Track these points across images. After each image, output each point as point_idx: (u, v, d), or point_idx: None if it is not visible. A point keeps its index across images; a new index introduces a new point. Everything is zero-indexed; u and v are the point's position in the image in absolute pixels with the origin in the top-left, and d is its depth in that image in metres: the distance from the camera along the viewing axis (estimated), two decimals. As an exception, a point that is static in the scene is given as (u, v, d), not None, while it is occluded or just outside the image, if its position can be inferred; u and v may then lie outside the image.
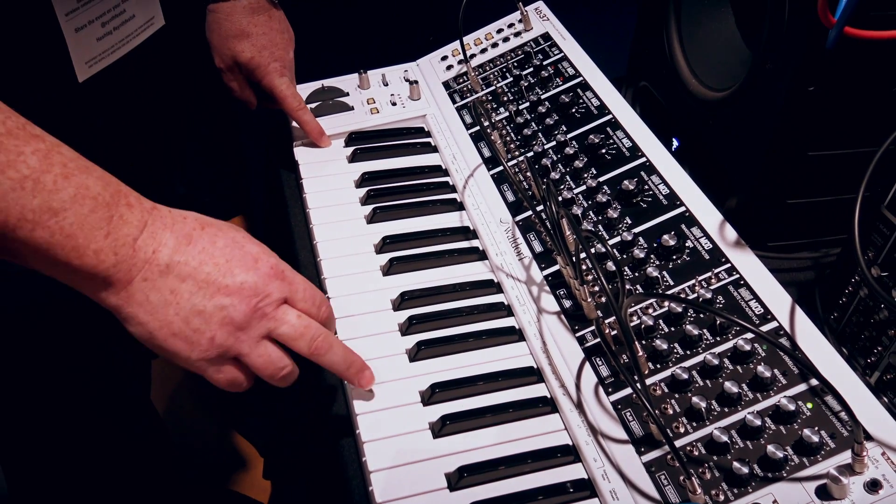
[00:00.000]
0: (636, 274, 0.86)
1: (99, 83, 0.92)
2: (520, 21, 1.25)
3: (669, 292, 0.83)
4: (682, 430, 0.72)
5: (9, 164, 0.57)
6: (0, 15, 0.80)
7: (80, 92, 0.90)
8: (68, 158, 0.61)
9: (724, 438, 0.69)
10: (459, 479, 0.74)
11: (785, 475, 0.67)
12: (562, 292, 0.89)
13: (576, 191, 0.98)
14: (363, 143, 1.15)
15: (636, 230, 0.90)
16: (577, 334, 0.84)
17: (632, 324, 0.81)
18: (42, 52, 0.85)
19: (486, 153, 1.10)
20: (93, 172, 0.63)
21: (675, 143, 1.16)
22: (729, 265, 0.83)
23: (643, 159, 0.97)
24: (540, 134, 1.07)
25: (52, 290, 0.66)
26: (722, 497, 0.67)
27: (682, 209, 0.90)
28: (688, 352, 0.78)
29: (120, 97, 0.98)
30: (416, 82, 1.22)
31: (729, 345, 0.76)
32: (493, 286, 0.95)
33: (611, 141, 1.01)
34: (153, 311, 0.66)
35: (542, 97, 1.12)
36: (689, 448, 0.71)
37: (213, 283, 0.68)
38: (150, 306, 0.66)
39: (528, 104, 1.12)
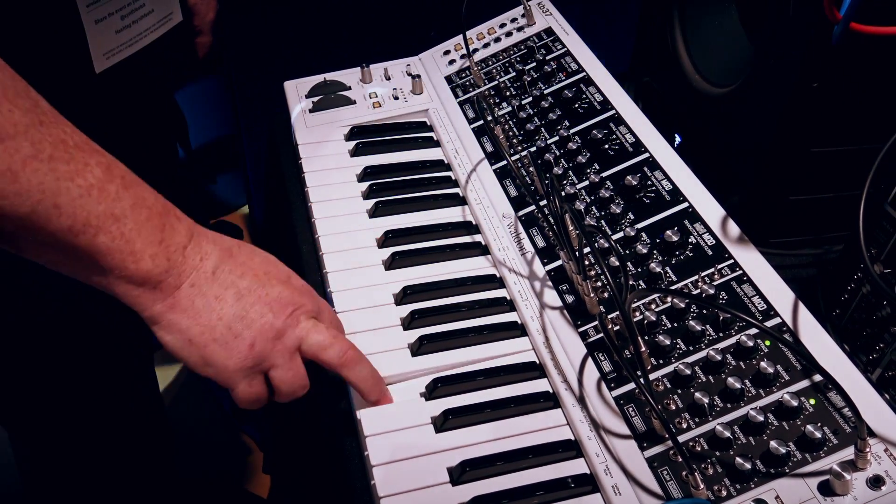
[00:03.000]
0: (639, 269, 0.86)
1: (114, 76, 0.92)
2: (523, 16, 1.25)
3: (672, 288, 0.83)
4: (684, 425, 0.72)
5: (77, 172, 0.61)
6: (23, 2, 0.80)
7: (94, 83, 0.90)
8: (125, 171, 0.66)
9: (727, 434, 0.69)
10: (462, 473, 0.74)
11: (787, 471, 0.67)
12: (564, 287, 0.89)
13: (578, 186, 0.98)
14: (365, 138, 1.15)
15: (639, 226, 0.90)
16: (580, 329, 0.84)
17: (634, 319, 0.81)
18: (62, 40, 0.86)
19: (489, 148, 1.10)
20: (145, 186, 0.67)
21: (678, 140, 1.15)
22: (732, 261, 0.82)
23: (646, 155, 0.97)
24: (543, 129, 1.07)
25: (53, 289, 0.67)
26: (724, 492, 0.67)
27: (685, 205, 0.90)
28: (690, 347, 0.78)
29: (132, 91, 0.98)
30: (419, 77, 1.22)
31: (732, 341, 0.76)
32: (495, 281, 0.95)
33: (614, 136, 1.01)
34: (197, 315, 0.69)
35: (545, 92, 1.12)
36: (691, 443, 0.71)
37: (254, 292, 0.72)
38: (194, 311, 0.69)
39: (530, 99, 1.12)
